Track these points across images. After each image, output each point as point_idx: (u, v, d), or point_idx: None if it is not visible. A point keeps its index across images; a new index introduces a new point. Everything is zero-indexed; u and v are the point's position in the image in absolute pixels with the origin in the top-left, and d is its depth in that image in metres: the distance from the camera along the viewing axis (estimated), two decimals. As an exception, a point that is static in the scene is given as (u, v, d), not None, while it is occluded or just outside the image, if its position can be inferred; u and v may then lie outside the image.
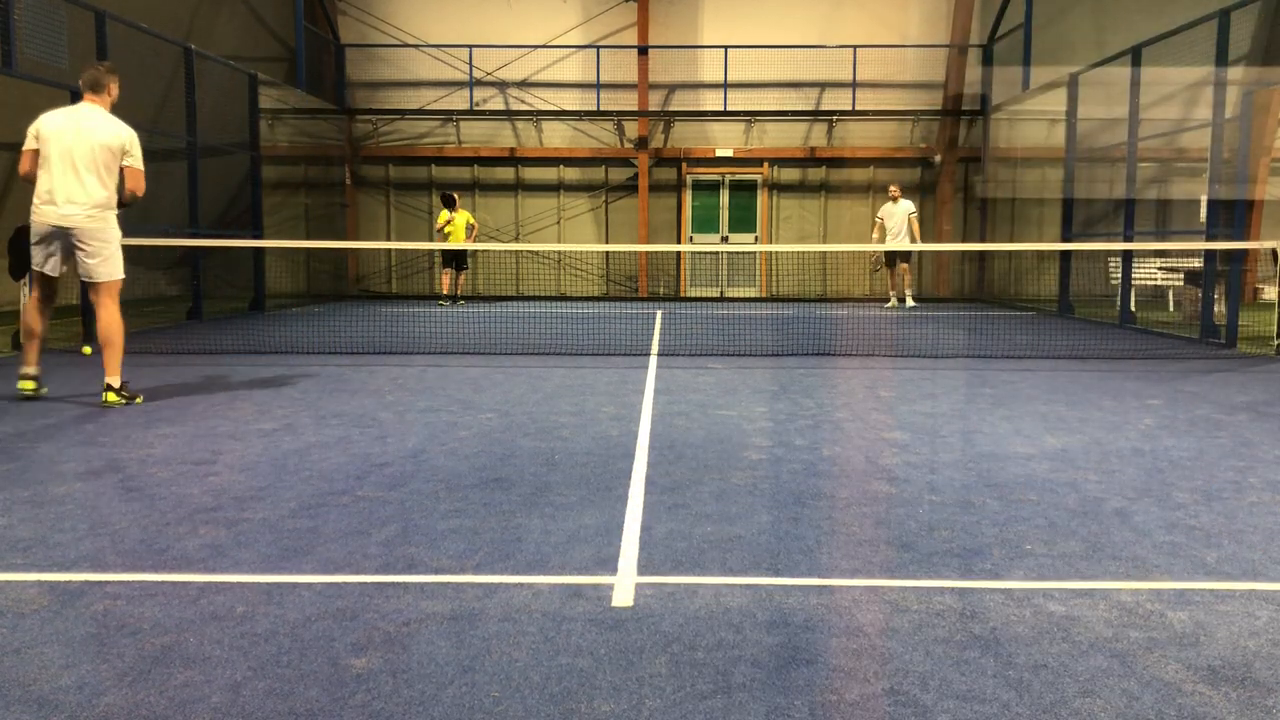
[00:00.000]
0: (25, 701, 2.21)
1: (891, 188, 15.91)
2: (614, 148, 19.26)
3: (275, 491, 4.06)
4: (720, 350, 9.56)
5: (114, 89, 6.21)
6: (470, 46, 18.74)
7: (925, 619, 2.72)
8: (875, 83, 18.71)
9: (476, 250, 16.91)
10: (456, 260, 16.40)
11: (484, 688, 2.29)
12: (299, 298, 17.40)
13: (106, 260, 6.09)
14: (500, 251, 19.36)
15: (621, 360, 8.66)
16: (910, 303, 16.08)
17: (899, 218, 15.39)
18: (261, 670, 2.38)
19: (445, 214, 15.99)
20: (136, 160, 6.11)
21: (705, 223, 19.37)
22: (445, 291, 16.60)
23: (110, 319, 6.10)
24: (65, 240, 6.03)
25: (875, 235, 15.80)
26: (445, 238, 15.88)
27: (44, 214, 5.96)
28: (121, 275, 6.21)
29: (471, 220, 16.27)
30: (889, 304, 16.12)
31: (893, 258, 15.94)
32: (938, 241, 18.53)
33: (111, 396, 6.05)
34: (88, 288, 6.23)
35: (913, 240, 15.26)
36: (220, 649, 2.49)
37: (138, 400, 6.21)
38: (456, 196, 16.39)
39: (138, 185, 6.15)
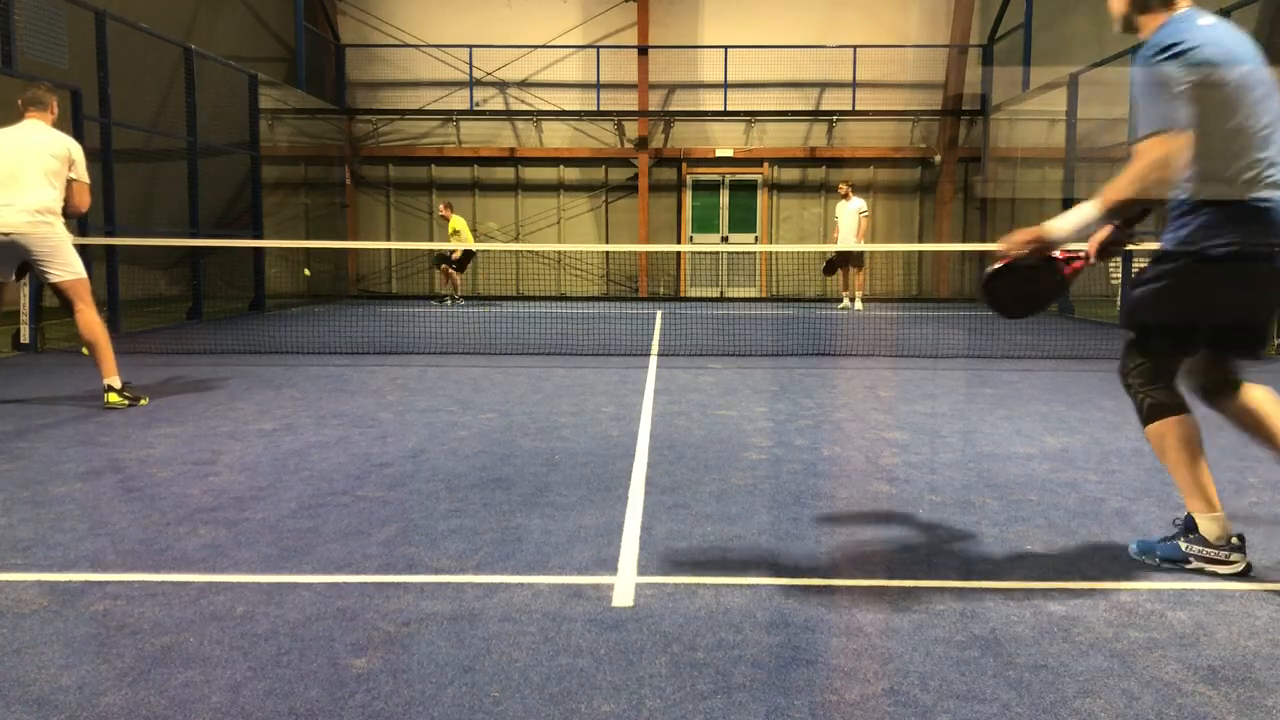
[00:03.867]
0: (25, 701, 2.21)
1: (840, 185, 15.55)
2: (614, 148, 19.27)
3: (275, 491, 4.06)
4: (720, 350, 9.56)
5: (55, 106, 6.18)
6: (470, 46, 18.75)
7: (925, 619, 2.72)
8: (875, 83, 18.71)
9: (476, 250, 16.89)
10: (460, 262, 16.33)
11: (484, 688, 2.29)
12: (299, 298, 17.41)
13: (63, 264, 5.98)
14: (500, 251, 19.37)
15: (621, 360, 8.66)
16: (859, 306, 15.63)
17: (850, 216, 15.01)
18: (261, 670, 2.38)
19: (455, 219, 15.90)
20: (82, 174, 6.06)
21: (705, 223, 19.37)
22: (446, 290, 16.59)
23: (86, 321, 6.05)
24: (12, 250, 5.91)
25: (835, 235, 15.46)
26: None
27: None
28: (82, 274, 6.11)
29: (457, 226, 16.01)
30: (840, 304, 15.91)
31: (844, 258, 15.48)
32: (938, 241, 18.55)
33: (113, 397, 6.01)
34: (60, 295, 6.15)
35: (859, 238, 14.88)
36: (220, 649, 2.49)
37: (142, 402, 6.17)
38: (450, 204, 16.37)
39: (83, 200, 6.07)
